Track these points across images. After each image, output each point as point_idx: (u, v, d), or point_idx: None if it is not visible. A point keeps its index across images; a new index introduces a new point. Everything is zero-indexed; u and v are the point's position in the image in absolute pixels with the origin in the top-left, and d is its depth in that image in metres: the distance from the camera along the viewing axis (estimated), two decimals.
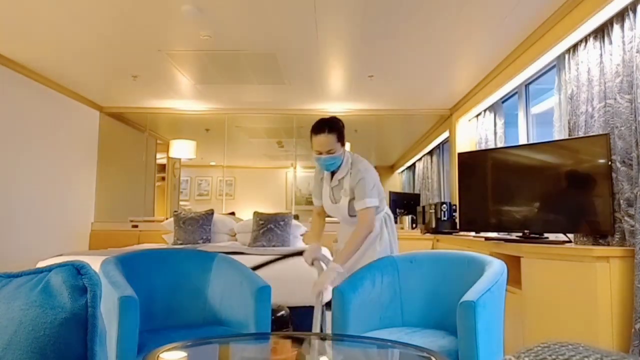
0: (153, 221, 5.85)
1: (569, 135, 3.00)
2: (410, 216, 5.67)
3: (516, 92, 4.18)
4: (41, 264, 3.07)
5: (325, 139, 2.33)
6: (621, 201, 2.49)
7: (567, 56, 3.10)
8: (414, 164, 7.28)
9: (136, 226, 5.76)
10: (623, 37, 2.52)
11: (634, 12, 2.44)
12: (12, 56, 4.14)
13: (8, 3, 3.12)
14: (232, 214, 6.00)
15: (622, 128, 2.49)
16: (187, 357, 1.52)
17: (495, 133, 4.48)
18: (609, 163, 2.56)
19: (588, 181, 2.71)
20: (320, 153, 2.37)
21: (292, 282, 3.25)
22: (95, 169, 5.77)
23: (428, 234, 5.05)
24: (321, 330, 2.45)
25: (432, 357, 1.47)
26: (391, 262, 2.39)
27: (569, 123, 3.01)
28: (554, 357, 0.68)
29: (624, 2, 2.47)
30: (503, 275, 1.97)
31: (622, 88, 2.51)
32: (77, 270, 0.90)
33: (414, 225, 5.62)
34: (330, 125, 2.35)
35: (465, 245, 3.87)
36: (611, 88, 2.60)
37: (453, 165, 5.33)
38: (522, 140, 4.02)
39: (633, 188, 2.42)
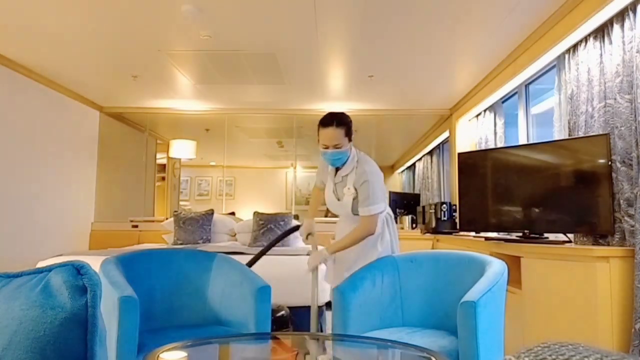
0: (153, 221, 5.85)
1: (569, 135, 3.00)
2: (410, 216, 5.67)
3: (516, 92, 4.18)
4: (41, 264, 3.07)
5: (333, 133, 2.30)
6: (621, 201, 2.49)
7: (567, 56, 3.10)
8: (414, 164, 7.29)
9: (136, 226, 5.76)
10: (623, 37, 2.52)
11: (634, 12, 2.44)
12: (12, 56, 4.14)
13: (9, 4, 3.12)
14: (232, 214, 6.00)
15: (622, 128, 2.49)
16: (187, 357, 1.52)
17: (495, 133, 4.48)
18: (609, 163, 2.56)
19: (588, 181, 2.71)
20: (327, 147, 2.33)
21: (292, 282, 3.25)
22: (95, 169, 5.77)
23: (428, 234, 5.05)
24: (320, 329, 2.46)
25: (433, 357, 1.47)
26: (391, 262, 2.39)
27: (569, 123, 3.01)
28: (554, 357, 0.68)
29: (624, 2, 2.47)
30: (503, 276, 1.97)
31: (622, 88, 2.51)
32: (77, 270, 0.90)
33: (414, 225, 5.62)
34: (339, 120, 2.32)
35: (465, 245, 3.87)
36: (611, 88, 2.60)
37: (453, 165, 5.33)
38: (522, 140, 4.02)
39: (633, 188, 2.42)
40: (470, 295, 1.80)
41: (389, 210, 2.59)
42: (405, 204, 6.09)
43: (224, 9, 3.20)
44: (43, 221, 4.75)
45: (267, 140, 7.16)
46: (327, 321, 2.91)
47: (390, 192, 6.06)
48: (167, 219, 5.54)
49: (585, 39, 2.88)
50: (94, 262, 1.85)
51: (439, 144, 6.32)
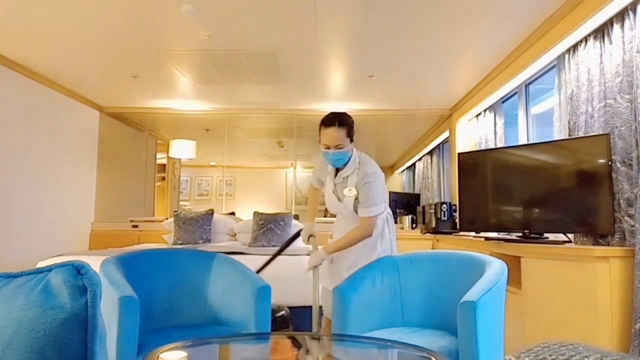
0: (153, 221, 5.85)
1: (569, 135, 3.00)
2: (410, 216, 5.67)
3: (516, 92, 4.18)
4: (41, 264, 3.07)
5: (335, 133, 2.29)
6: (621, 201, 2.49)
7: (567, 56, 3.10)
8: (414, 164, 7.28)
9: (136, 226, 5.76)
10: (623, 37, 2.52)
11: (634, 12, 2.44)
12: (12, 56, 4.14)
13: (8, 3, 3.12)
14: (232, 214, 6.00)
15: (622, 128, 2.49)
16: (187, 357, 1.52)
17: (495, 133, 4.48)
18: (609, 163, 2.56)
19: (588, 181, 2.71)
20: (328, 147, 2.31)
21: (292, 282, 3.25)
22: (95, 169, 5.77)
23: (428, 234, 5.05)
24: (320, 327, 2.46)
25: (433, 357, 1.47)
26: (391, 262, 2.39)
27: (569, 123, 3.01)
28: (554, 357, 0.68)
29: (624, 2, 2.47)
30: (503, 276, 1.97)
31: (622, 88, 2.51)
32: (77, 270, 0.90)
33: (414, 225, 5.62)
34: (341, 120, 2.31)
35: (465, 245, 3.87)
36: (611, 88, 2.60)
37: (453, 165, 5.33)
38: (522, 140, 4.02)
39: (633, 188, 2.42)
40: (470, 295, 1.81)
41: (388, 210, 2.59)
42: (405, 204, 6.09)
43: (224, 9, 3.20)
44: (43, 221, 4.75)
45: (267, 140, 7.16)
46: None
47: (390, 192, 6.06)
48: (167, 219, 5.54)
49: (585, 39, 2.88)
50: (94, 262, 1.86)
51: (439, 144, 6.32)
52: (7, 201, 4.24)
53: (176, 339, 1.70)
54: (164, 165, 7.00)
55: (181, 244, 4.73)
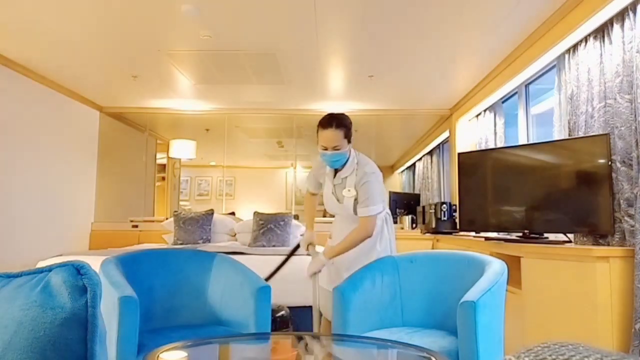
0: (153, 221, 5.85)
1: (569, 135, 3.00)
2: (410, 216, 5.67)
3: (516, 92, 4.18)
4: (41, 264, 3.08)
5: (332, 134, 2.29)
6: (621, 201, 2.49)
7: (567, 56, 3.10)
8: (414, 164, 7.28)
9: (136, 226, 5.76)
10: (623, 37, 2.52)
11: (634, 12, 2.44)
12: (12, 56, 4.14)
13: (8, 3, 3.12)
14: (232, 214, 6.00)
15: (622, 128, 2.49)
16: (187, 357, 1.52)
17: (495, 133, 4.48)
18: (609, 163, 2.56)
19: (588, 181, 2.71)
20: (326, 148, 2.32)
21: (292, 282, 3.25)
22: (95, 169, 5.77)
23: (428, 234, 5.05)
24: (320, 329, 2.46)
25: (432, 357, 1.47)
26: (391, 262, 2.39)
27: (569, 123, 3.01)
28: (554, 357, 0.68)
29: (624, 2, 2.47)
30: (503, 276, 1.97)
31: (622, 88, 2.51)
32: (77, 270, 0.90)
33: (414, 225, 5.62)
34: (339, 121, 2.31)
35: (465, 245, 3.87)
36: (611, 88, 2.60)
37: (453, 165, 5.33)
38: (522, 140, 4.02)
39: (633, 188, 2.42)
40: (470, 295, 1.81)
41: (387, 210, 2.59)
42: (405, 204, 6.09)
43: (224, 9, 3.20)
44: (43, 221, 4.75)
45: (267, 140, 7.16)
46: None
47: (390, 192, 6.06)
48: (167, 219, 5.54)
49: (585, 39, 2.88)
50: (94, 262, 1.86)
51: (439, 144, 6.32)
52: (7, 201, 4.24)
53: (176, 339, 1.70)
54: (164, 165, 7.00)
55: (181, 244, 4.73)
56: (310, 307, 2.43)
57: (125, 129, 6.33)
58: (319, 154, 2.39)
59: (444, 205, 4.88)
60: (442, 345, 1.86)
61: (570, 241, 2.91)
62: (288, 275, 3.30)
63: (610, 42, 2.64)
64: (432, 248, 4.90)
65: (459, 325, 1.79)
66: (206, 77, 4.74)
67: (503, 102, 4.47)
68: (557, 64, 3.30)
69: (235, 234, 5.07)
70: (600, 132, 2.66)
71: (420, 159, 6.94)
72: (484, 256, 2.19)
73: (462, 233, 4.56)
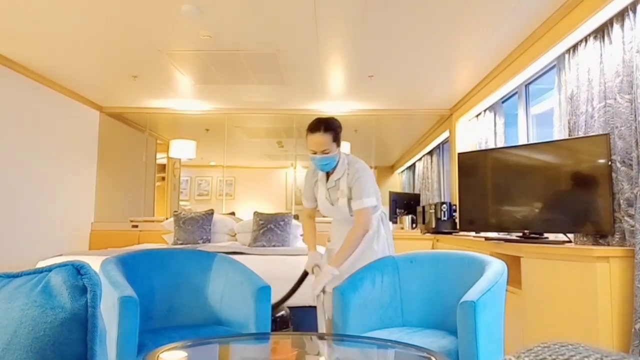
0: (153, 221, 5.85)
1: (569, 135, 3.00)
2: (410, 216, 5.66)
3: (516, 92, 4.18)
4: (41, 264, 3.07)
5: (321, 139, 2.33)
6: (621, 201, 2.49)
7: (567, 56, 3.10)
8: (414, 164, 7.28)
9: (136, 226, 5.76)
10: (623, 37, 2.52)
11: (634, 12, 2.44)
12: (12, 56, 4.14)
13: (8, 3, 3.12)
14: (232, 214, 6.00)
15: (622, 128, 2.49)
16: (187, 357, 1.52)
17: (495, 133, 4.48)
18: (609, 163, 2.56)
19: (588, 181, 2.71)
20: (315, 152, 2.37)
21: (292, 282, 3.24)
22: (95, 169, 5.77)
23: (428, 234, 5.05)
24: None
25: (432, 357, 1.47)
26: (391, 262, 2.39)
27: (569, 123, 3.01)
28: (554, 357, 0.68)
29: (624, 2, 2.47)
30: (503, 275, 1.97)
31: (622, 88, 2.51)
32: (77, 270, 0.90)
33: (414, 225, 5.62)
34: (327, 125, 2.35)
35: (465, 245, 3.87)
36: (611, 88, 2.60)
37: (453, 165, 5.33)
38: (522, 140, 4.02)
39: (633, 188, 2.42)
40: (470, 295, 1.81)
41: (383, 209, 2.60)
42: (405, 204, 6.08)
43: (224, 9, 3.20)
44: (43, 221, 4.75)
45: (267, 140, 7.16)
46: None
47: (390, 192, 6.06)
48: (167, 219, 5.54)
49: (585, 39, 2.88)
50: (94, 262, 1.86)
51: (439, 144, 6.32)
52: (7, 201, 4.24)
53: (176, 339, 1.70)
54: (164, 165, 7.00)
55: (181, 244, 4.73)
56: (311, 307, 2.43)
57: (125, 129, 6.33)
58: (310, 158, 2.43)
59: (444, 205, 4.88)
60: (442, 345, 1.86)
61: (570, 241, 2.91)
62: (288, 276, 3.30)
63: (610, 42, 2.64)
64: (432, 248, 4.90)
65: (459, 325, 1.79)
66: (206, 77, 4.74)
67: (503, 102, 4.47)
68: (557, 64, 3.30)
69: (235, 234, 5.07)
70: (600, 132, 2.66)
71: (420, 159, 6.94)
72: (484, 256, 2.19)
73: (462, 233, 4.56)
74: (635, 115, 2.42)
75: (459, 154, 3.79)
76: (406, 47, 3.83)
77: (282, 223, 4.70)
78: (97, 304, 0.88)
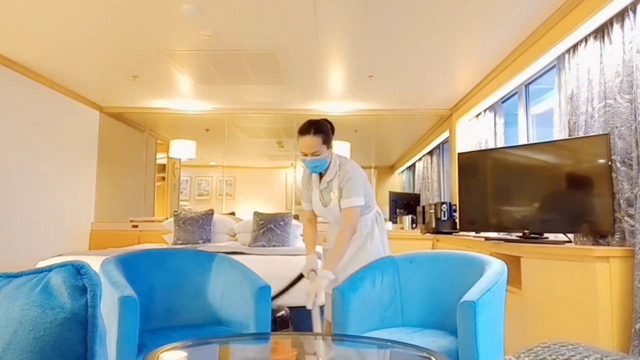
0: (153, 221, 5.85)
1: (569, 135, 3.00)
2: (410, 216, 5.66)
3: (516, 92, 4.18)
4: (41, 264, 3.07)
5: (310, 141, 2.33)
6: (621, 201, 2.49)
7: (567, 56, 3.10)
8: (414, 164, 7.28)
9: (136, 226, 5.76)
10: (623, 37, 2.52)
11: (634, 12, 2.44)
12: (12, 56, 4.14)
13: (8, 3, 3.12)
14: (232, 214, 6.00)
15: (622, 128, 2.49)
16: (187, 357, 1.52)
17: (495, 133, 4.48)
18: (609, 163, 2.56)
19: (588, 181, 2.71)
20: (306, 154, 2.37)
21: None
22: (95, 169, 5.77)
23: (428, 234, 5.05)
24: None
25: (432, 357, 1.47)
26: (391, 262, 2.39)
27: (569, 123, 3.01)
28: (554, 357, 0.68)
29: (624, 2, 2.47)
30: (503, 275, 1.97)
31: (622, 88, 2.51)
32: (77, 270, 0.90)
33: (414, 225, 5.62)
34: (317, 127, 2.34)
35: (465, 245, 3.87)
36: (611, 88, 2.60)
37: (453, 165, 5.33)
38: (522, 140, 4.02)
39: (633, 188, 2.42)
40: (469, 295, 1.81)
41: (377, 209, 2.60)
42: (405, 204, 6.09)
43: (224, 9, 3.20)
44: (43, 221, 4.75)
45: (267, 140, 7.16)
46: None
47: (390, 192, 6.06)
48: (167, 219, 5.54)
49: (585, 39, 2.88)
50: (94, 262, 1.86)
51: (439, 144, 6.32)
52: (7, 201, 4.24)
53: (176, 339, 1.70)
54: (164, 165, 7.00)
55: (181, 244, 4.73)
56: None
57: (125, 129, 6.33)
58: (302, 160, 2.43)
59: (444, 205, 4.88)
60: (442, 345, 1.86)
61: (570, 241, 2.91)
62: (288, 275, 3.30)
63: (610, 42, 2.64)
64: (432, 248, 4.90)
65: (459, 325, 1.79)
66: (206, 77, 4.74)
67: (503, 102, 4.47)
68: (557, 64, 3.30)
69: (235, 234, 5.07)
70: (600, 132, 2.66)
71: (420, 159, 6.94)
72: (484, 256, 2.19)
73: (462, 233, 4.56)
74: (635, 115, 2.42)
75: (459, 154, 3.79)
76: (406, 47, 3.83)
77: (282, 223, 4.70)
78: (97, 304, 0.88)
